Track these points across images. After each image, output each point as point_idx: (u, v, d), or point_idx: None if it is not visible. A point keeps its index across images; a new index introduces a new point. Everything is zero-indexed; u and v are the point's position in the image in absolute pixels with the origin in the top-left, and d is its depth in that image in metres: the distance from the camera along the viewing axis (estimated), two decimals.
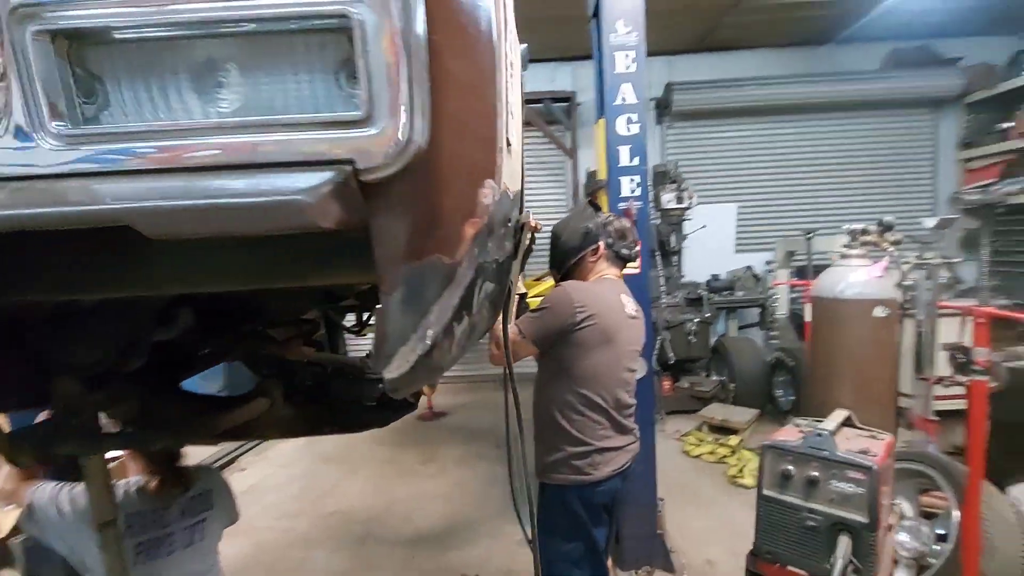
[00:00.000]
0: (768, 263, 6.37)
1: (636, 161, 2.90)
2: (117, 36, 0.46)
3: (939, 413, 3.15)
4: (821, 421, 1.85)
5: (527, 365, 2.19)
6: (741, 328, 6.51)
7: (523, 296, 2.23)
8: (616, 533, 2.41)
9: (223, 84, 0.48)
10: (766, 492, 1.73)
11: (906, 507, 2.42)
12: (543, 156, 6.70)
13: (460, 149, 0.57)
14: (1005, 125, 6.01)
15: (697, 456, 4.39)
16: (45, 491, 1.55)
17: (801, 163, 6.78)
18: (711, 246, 6.43)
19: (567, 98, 6.45)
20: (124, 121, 0.48)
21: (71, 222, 0.44)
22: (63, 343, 0.86)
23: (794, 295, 5.81)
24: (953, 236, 6.36)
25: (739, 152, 6.76)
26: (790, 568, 1.66)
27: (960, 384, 2.15)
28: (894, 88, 6.30)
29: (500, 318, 1.10)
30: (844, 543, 1.54)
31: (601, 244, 2.06)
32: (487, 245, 0.67)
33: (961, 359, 2.22)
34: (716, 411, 4.88)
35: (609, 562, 2.13)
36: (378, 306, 0.55)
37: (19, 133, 0.46)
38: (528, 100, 5.58)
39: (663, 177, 5.45)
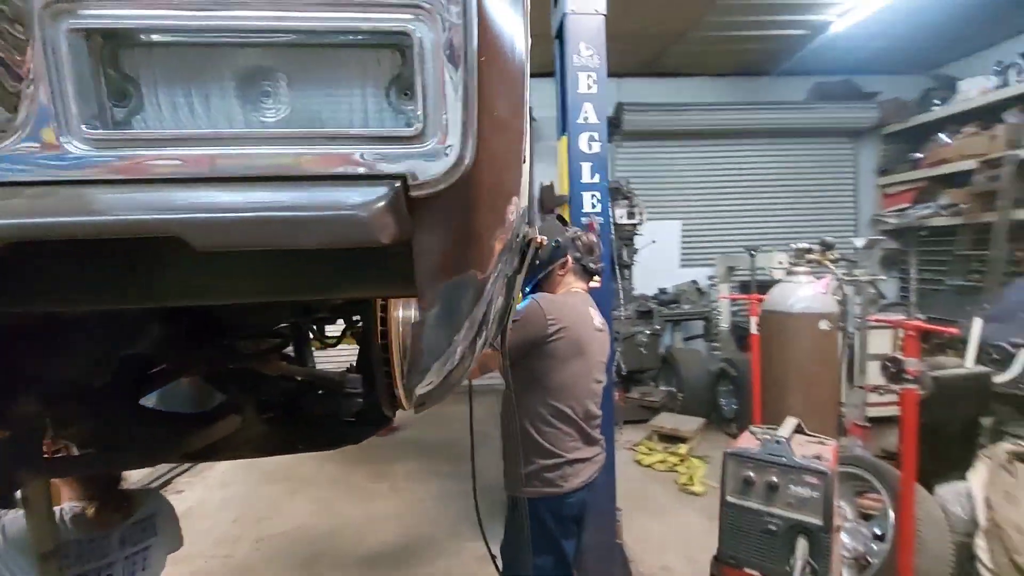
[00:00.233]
0: (710, 278, 6.70)
1: (597, 178, 2.99)
2: (160, 39, 0.44)
3: (869, 419, 3.41)
4: (776, 429, 1.96)
5: (494, 378, 2.19)
6: (686, 340, 6.79)
7: None
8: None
9: (269, 93, 0.47)
10: (729, 499, 1.80)
11: (846, 509, 2.59)
12: None
13: (497, 167, 0.58)
14: (917, 155, 6.67)
15: (649, 465, 4.51)
16: None
17: (739, 184, 7.23)
18: (658, 261, 6.69)
19: None
20: (159, 126, 0.45)
21: (108, 232, 0.41)
22: (39, 357, 0.79)
23: (735, 308, 6.14)
24: (875, 255, 6.93)
25: (683, 172, 7.13)
26: (752, 571, 1.73)
27: (893, 392, 2.34)
28: (820, 118, 6.87)
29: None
30: (802, 545, 1.63)
31: (569, 258, 2.11)
32: (505, 261, 0.68)
33: (893, 369, 2.42)
34: (666, 420, 5.04)
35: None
36: (414, 321, 0.55)
37: (45, 136, 0.42)
38: None
39: (615, 193, 5.63)
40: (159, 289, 0.56)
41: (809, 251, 3.15)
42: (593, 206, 2.99)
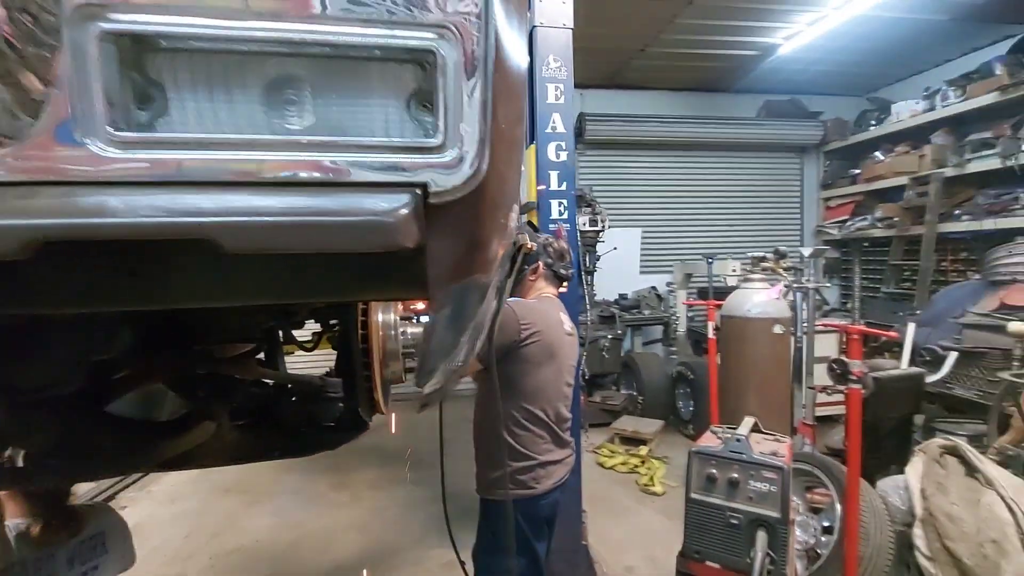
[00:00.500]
0: (669, 284, 6.93)
1: (564, 186, 3.06)
2: (190, 46, 0.45)
3: (816, 418, 3.61)
4: (735, 428, 2.06)
5: (460, 383, 2.20)
6: (645, 344, 6.98)
7: None
8: None
9: (294, 101, 0.48)
10: (693, 495, 1.88)
11: (798, 504, 2.74)
12: None
13: (501, 176, 0.61)
14: (855, 171, 7.14)
15: (611, 467, 4.61)
16: None
17: (695, 194, 7.53)
18: (619, 267, 6.86)
19: None
20: (183, 130, 0.46)
21: (140, 234, 0.41)
22: (9, 362, 0.75)
23: (691, 313, 6.37)
24: (819, 264, 7.36)
25: (643, 181, 7.37)
26: (715, 564, 1.81)
27: (840, 392, 2.50)
28: (770, 134, 7.27)
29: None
30: (762, 537, 1.72)
31: (541, 264, 2.15)
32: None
33: (839, 371, 2.58)
34: (627, 423, 5.16)
35: None
36: (425, 321, 0.57)
37: (69, 136, 0.42)
38: None
39: (579, 200, 5.74)
40: (175, 291, 0.56)
41: (764, 259, 3.33)
42: (560, 213, 3.06)
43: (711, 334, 3.56)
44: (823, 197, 7.72)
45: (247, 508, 4.14)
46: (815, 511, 2.77)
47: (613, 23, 5.21)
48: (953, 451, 2.68)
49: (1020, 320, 3.48)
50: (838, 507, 2.59)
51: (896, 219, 6.24)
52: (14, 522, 1.48)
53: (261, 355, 1.54)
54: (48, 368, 0.83)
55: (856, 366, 2.40)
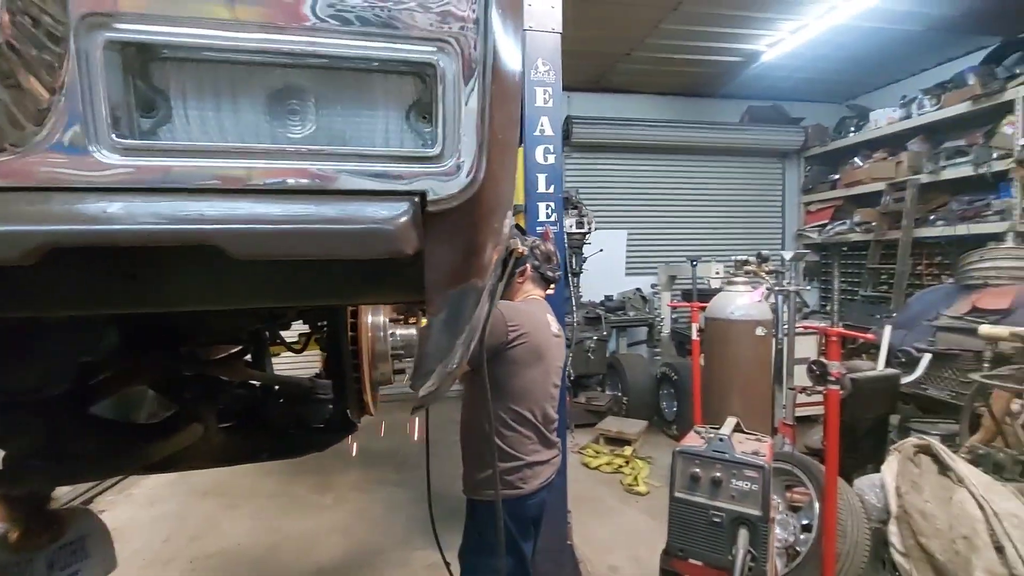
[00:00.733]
0: (653, 286, 7.00)
1: (552, 189, 3.08)
2: (194, 56, 0.45)
3: (796, 418, 3.68)
4: (718, 428, 2.10)
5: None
6: (630, 345, 7.04)
7: None
8: None
9: (296, 111, 0.49)
10: (678, 494, 1.91)
11: (778, 503, 2.80)
12: None
13: (497, 184, 0.63)
14: (834, 176, 7.30)
15: (596, 468, 4.64)
16: None
17: (680, 197, 7.63)
18: (604, 269, 6.92)
19: None
20: (186, 137, 0.47)
21: (146, 241, 0.42)
22: (7, 364, 0.74)
23: (675, 315, 6.45)
24: (800, 267, 7.50)
25: (629, 183, 7.44)
26: (697, 562, 1.85)
27: (819, 392, 2.56)
28: (753, 139, 7.40)
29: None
30: (744, 535, 1.76)
31: (528, 266, 2.17)
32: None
33: (818, 372, 2.65)
34: (611, 424, 5.20)
35: None
36: (422, 325, 0.58)
37: (74, 143, 0.43)
38: None
39: (565, 203, 5.78)
40: (172, 294, 0.56)
41: (747, 263, 3.40)
42: (548, 215, 3.08)
43: (695, 336, 3.62)
44: (804, 201, 7.88)
45: (227, 511, 4.08)
46: (794, 509, 2.83)
47: (600, 27, 5.26)
48: (927, 450, 2.76)
49: (991, 323, 3.59)
50: (816, 505, 2.65)
51: (874, 224, 6.39)
52: None
53: (248, 356, 1.53)
54: (39, 369, 0.82)
55: (834, 367, 2.46)
